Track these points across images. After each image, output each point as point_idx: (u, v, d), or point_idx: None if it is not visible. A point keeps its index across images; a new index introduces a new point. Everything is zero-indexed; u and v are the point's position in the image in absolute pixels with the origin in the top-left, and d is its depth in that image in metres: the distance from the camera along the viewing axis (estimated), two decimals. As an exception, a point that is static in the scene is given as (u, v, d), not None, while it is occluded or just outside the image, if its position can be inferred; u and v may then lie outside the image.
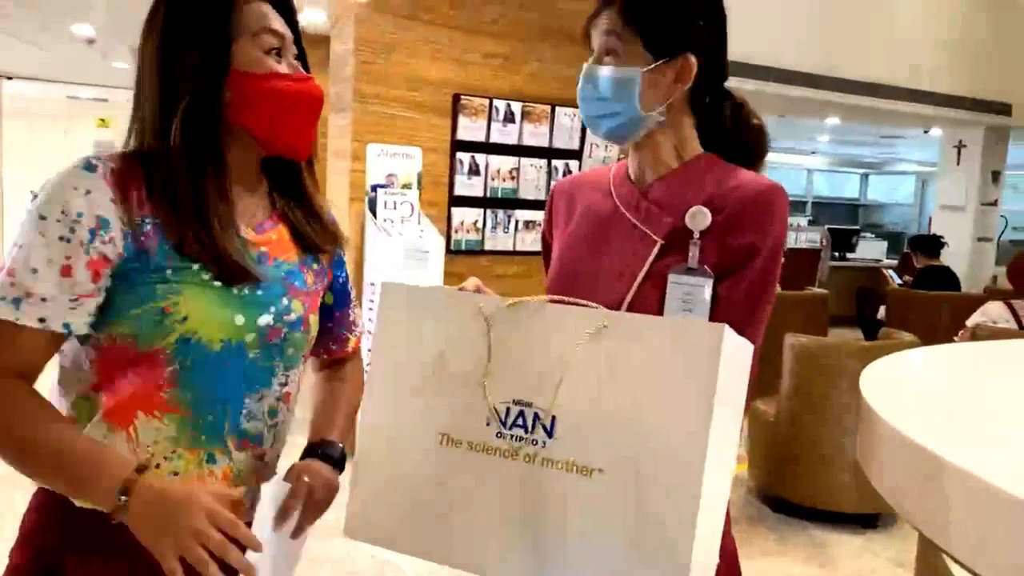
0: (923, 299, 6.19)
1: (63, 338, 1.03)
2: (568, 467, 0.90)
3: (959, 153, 8.75)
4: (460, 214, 4.39)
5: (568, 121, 4.54)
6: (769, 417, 3.93)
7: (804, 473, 3.76)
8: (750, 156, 1.26)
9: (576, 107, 1.31)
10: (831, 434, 3.66)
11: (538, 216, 4.56)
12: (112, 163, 1.03)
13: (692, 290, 1.13)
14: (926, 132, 9.52)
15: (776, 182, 1.18)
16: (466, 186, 4.38)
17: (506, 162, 4.47)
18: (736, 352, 0.89)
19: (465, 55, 4.28)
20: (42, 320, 0.99)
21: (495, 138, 4.42)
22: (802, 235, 10.36)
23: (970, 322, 4.26)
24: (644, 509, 0.86)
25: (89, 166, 1.01)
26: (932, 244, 6.97)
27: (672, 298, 1.14)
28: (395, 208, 4.06)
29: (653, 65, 1.16)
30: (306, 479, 1.10)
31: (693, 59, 1.17)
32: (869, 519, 3.75)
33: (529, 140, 4.51)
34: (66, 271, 0.99)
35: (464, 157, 4.35)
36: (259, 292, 1.09)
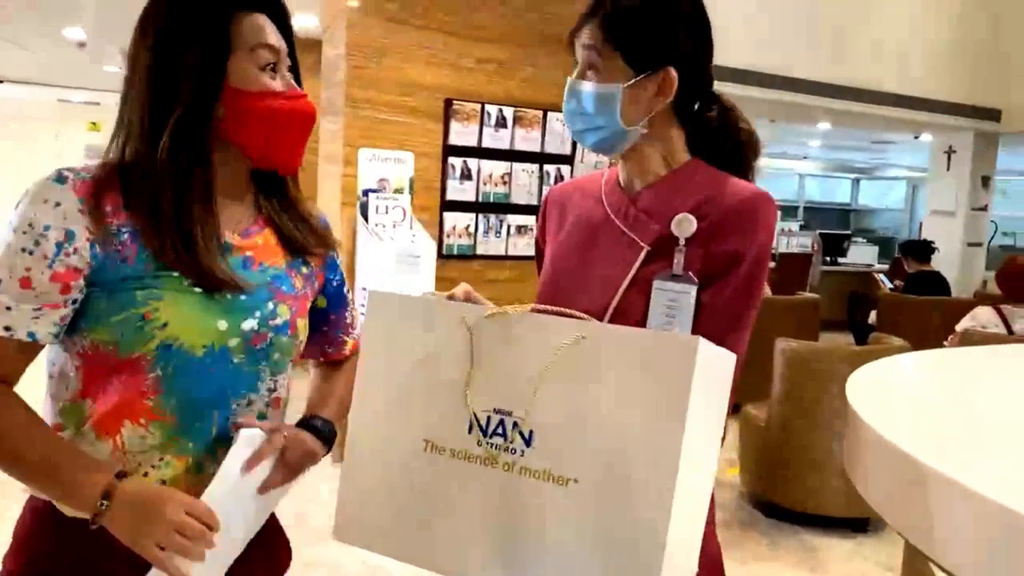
0: (914, 304, 6.21)
1: (35, 348, 1.03)
2: (545, 476, 0.91)
3: (949, 158, 8.79)
4: (452, 219, 4.39)
5: (560, 126, 4.55)
6: (760, 422, 3.94)
7: (795, 478, 3.77)
8: (740, 161, 1.27)
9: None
10: (822, 439, 3.67)
11: (530, 221, 4.56)
12: (86, 173, 1.03)
13: (677, 297, 1.14)
14: (916, 138, 9.57)
15: (763, 190, 1.19)
16: (458, 191, 4.39)
17: (498, 167, 4.48)
18: (714, 363, 0.89)
19: (459, 60, 4.29)
20: (8, 328, 0.99)
21: (487, 143, 4.42)
22: (793, 240, 10.39)
23: (959, 327, 4.28)
24: (618, 519, 0.87)
25: (60, 178, 1.02)
26: (923, 249, 7.01)
27: (657, 305, 1.15)
28: (387, 213, 4.06)
29: (634, 80, 1.16)
30: (284, 434, 1.12)
31: (674, 72, 1.17)
32: (859, 523, 3.76)
33: (521, 145, 4.52)
34: (25, 283, 0.99)
35: (456, 162, 4.35)
36: (243, 297, 1.09)
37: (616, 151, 1.23)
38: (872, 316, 6.45)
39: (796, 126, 9.68)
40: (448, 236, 4.39)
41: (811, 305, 5.98)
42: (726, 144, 1.26)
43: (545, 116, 4.54)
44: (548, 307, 0.98)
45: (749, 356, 1.18)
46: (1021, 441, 1.09)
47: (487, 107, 4.38)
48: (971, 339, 4.01)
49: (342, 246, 1.31)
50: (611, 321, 1.16)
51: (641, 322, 1.15)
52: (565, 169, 4.66)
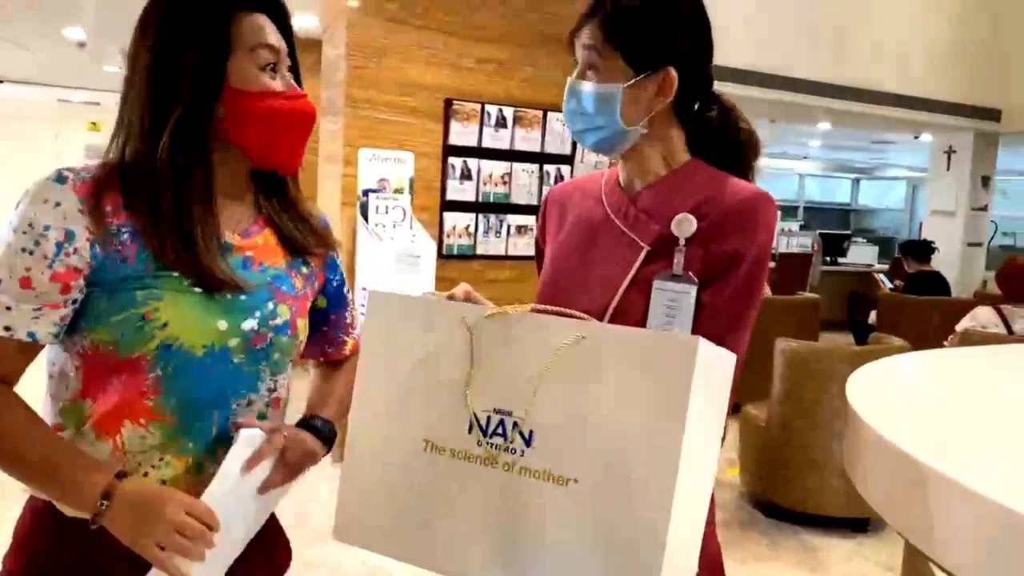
0: (914, 304, 6.22)
1: (34, 348, 1.03)
2: (545, 476, 0.91)
3: (949, 158, 8.79)
4: (452, 219, 4.39)
5: (560, 126, 4.55)
6: (760, 422, 3.94)
7: (795, 478, 3.77)
8: (740, 161, 1.26)
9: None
10: (822, 439, 3.67)
11: (530, 221, 4.56)
12: (86, 173, 1.03)
13: (677, 297, 1.14)
14: (916, 138, 9.57)
15: (763, 190, 1.19)
16: (458, 191, 4.39)
17: (498, 167, 4.48)
18: (714, 363, 0.89)
19: (459, 60, 4.29)
20: (7, 328, 0.99)
21: (487, 143, 4.42)
22: (794, 240, 10.39)
23: (959, 327, 4.28)
24: (618, 519, 0.87)
25: (60, 178, 1.02)
26: (923, 249, 7.01)
27: (657, 305, 1.15)
28: (387, 213, 4.06)
29: (633, 80, 1.16)
30: (285, 434, 1.12)
31: (674, 72, 1.16)
32: (860, 523, 3.76)
33: (521, 145, 4.52)
34: (25, 283, 0.99)
35: (456, 162, 4.35)
36: (243, 297, 1.09)
37: (616, 151, 1.23)
38: (872, 316, 6.45)
39: (796, 126, 9.68)
40: (448, 236, 4.39)
41: (811, 305, 5.98)
42: (726, 144, 1.26)
43: (545, 116, 4.54)
44: (548, 307, 0.98)
45: (749, 356, 1.18)
46: (1021, 441, 1.09)
47: (487, 107, 4.38)
48: (971, 339, 4.01)
49: (342, 246, 1.31)
50: (611, 321, 1.16)
51: (641, 322, 1.15)
52: (565, 169, 4.66)
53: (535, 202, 4.55)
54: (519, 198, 4.56)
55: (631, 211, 1.23)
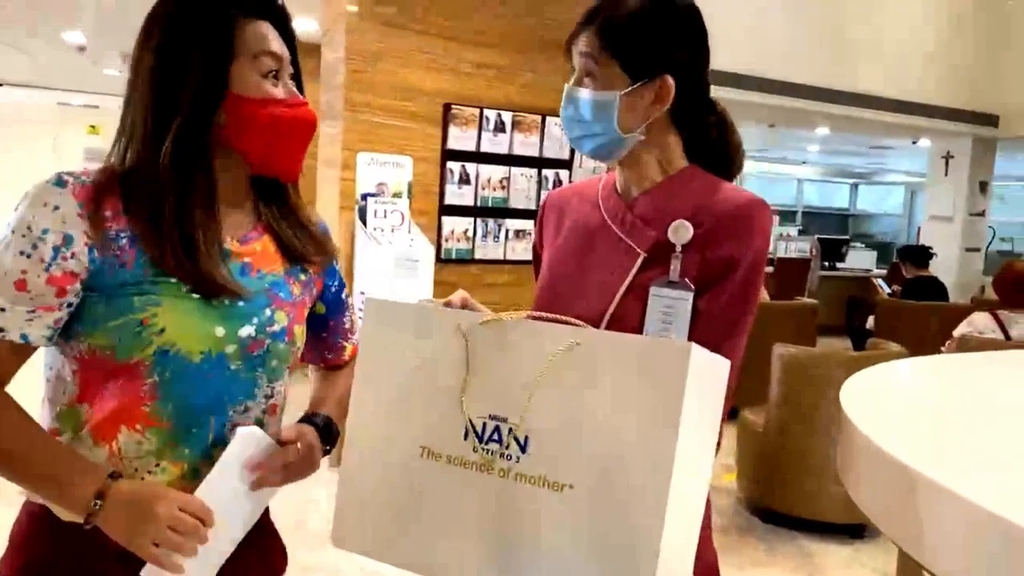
0: (912, 309, 6.22)
1: (27, 350, 1.03)
2: (540, 482, 0.92)
3: (947, 164, 8.80)
4: (450, 223, 4.40)
5: (559, 131, 4.55)
6: (758, 427, 3.94)
7: (792, 483, 3.77)
8: (728, 170, 1.27)
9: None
10: (819, 444, 3.67)
11: (528, 225, 4.57)
12: (86, 177, 1.04)
13: (673, 303, 1.14)
14: (914, 143, 9.58)
15: (758, 196, 1.19)
16: (456, 195, 4.39)
17: (496, 171, 4.49)
18: (708, 368, 0.90)
19: (458, 65, 4.30)
20: (1, 330, 0.99)
21: (485, 147, 4.43)
22: (792, 245, 10.38)
23: (957, 333, 4.28)
24: (613, 525, 0.87)
25: (59, 182, 1.02)
26: (921, 254, 7.01)
27: (653, 311, 1.15)
28: (385, 217, 4.07)
29: (630, 88, 1.17)
30: (284, 436, 1.12)
31: (671, 80, 1.17)
32: (856, 529, 3.76)
33: (519, 150, 4.53)
34: (20, 285, 0.99)
35: (454, 166, 4.36)
36: (241, 304, 1.09)
37: (613, 158, 1.23)
38: (870, 321, 6.46)
39: (795, 131, 9.70)
40: (446, 240, 4.39)
41: (809, 310, 5.98)
42: (722, 152, 1.27)
43: (544, 121, 4.55)
44: (544, 314, 0.98)
45: (746, 361, 1.19)
46: (1013, 449, 1.09)
47: (486, 112, 4.39)
48: (968, 345, 4.02)
49: (341, 251, 1.31)
50: (608, 327, 1.17)
51: (638, 328, 1.16)
52: (563, 174, 4.67)
53: (533, 207, 4.56)
54: (517, 202, 4.57)
55: (628, 217, 1.23)
